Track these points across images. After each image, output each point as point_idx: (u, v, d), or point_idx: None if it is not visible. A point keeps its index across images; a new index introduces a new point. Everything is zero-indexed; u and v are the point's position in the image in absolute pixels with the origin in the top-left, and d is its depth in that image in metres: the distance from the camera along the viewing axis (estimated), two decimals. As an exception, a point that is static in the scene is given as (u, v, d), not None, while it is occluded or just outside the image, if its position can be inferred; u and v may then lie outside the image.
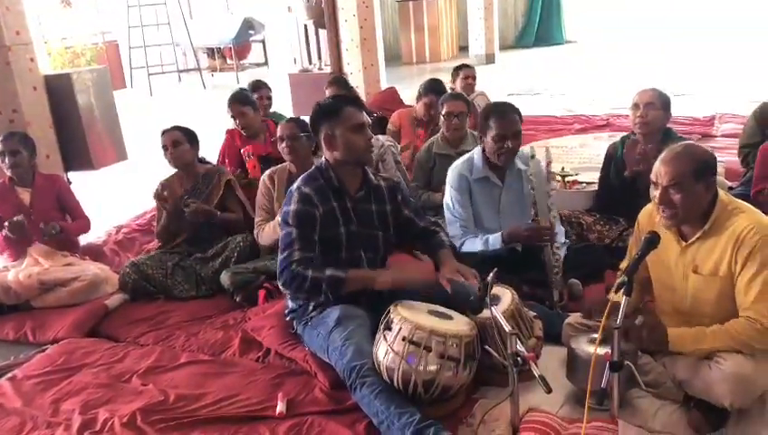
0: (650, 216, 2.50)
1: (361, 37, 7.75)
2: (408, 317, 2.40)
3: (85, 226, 4.24)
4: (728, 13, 12.01)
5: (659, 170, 2.31)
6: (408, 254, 3.58)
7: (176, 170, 4.04)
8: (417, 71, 8.18)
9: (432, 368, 2.33)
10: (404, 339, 2.34)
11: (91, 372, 3.00)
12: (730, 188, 4.23)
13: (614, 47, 12.19)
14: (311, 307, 2.79)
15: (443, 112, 4.15)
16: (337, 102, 2.80)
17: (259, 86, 5.32)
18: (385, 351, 2.38)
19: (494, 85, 9.87)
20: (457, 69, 5.66)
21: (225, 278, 3.58)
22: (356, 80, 7.80)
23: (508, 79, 10.27)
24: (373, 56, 7.95)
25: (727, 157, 5.06)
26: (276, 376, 2.82)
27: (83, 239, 4.46)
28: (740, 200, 2.41)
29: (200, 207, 3.85)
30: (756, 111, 4.47)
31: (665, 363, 2.50)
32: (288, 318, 2.97)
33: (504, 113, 3.30)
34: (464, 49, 12.70)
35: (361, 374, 2.40)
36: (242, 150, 4.63)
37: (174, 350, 3.17)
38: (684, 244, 2.40)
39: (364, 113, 2.78)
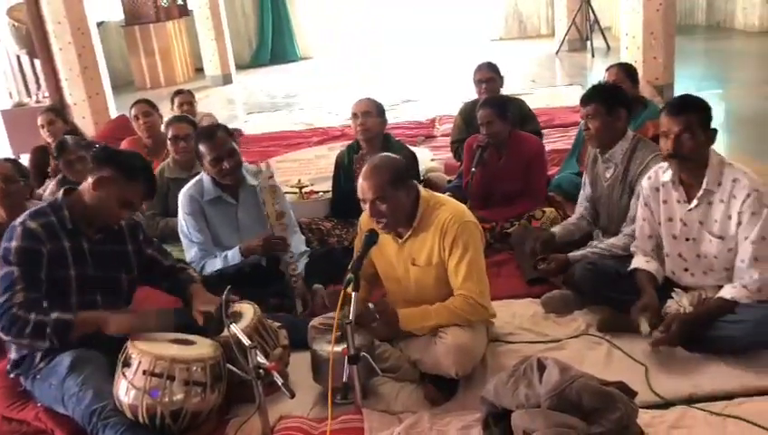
0: (370, 217, 2.68)
1: (81, 66, 7.26)
2: (146, 350, 2.31)
3: None
4: (438, 27, 13.35)
5: (362, 187, 2.54)
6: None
7: None
8: (153, 96, 7.79)
9: (178, 397, 2.28)
10: (144, 372, 2.26)
11: None
12: (449, 181, 4.72)
13: (346, 61, 12.83)
14: (38, 358, 2.54)
15: (169, 136, 4.06)
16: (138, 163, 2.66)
17: None
18: (126, 388, 2.27)
19: (234, 105, 9.86)
20: (173, 96, 5.63)
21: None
22: (81, 110, 7.30)
23: (248, 98, 10.32)
24: (97, 84, 7.49)
25: (446, 154, 5.60)
26: (6, 444, 2.54)
27: None
28: (439, 194, 2.74)
29: None
30: (461, 109, 5.02)
31: (401, 347, 2.73)
32: (13, 375, 2.67)
33: (212, 136, 3.31)
34: (200, 70, 12.44)
35: (103, 417, 2.26)
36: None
37: None
38: (400, 241, 2.66)
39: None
